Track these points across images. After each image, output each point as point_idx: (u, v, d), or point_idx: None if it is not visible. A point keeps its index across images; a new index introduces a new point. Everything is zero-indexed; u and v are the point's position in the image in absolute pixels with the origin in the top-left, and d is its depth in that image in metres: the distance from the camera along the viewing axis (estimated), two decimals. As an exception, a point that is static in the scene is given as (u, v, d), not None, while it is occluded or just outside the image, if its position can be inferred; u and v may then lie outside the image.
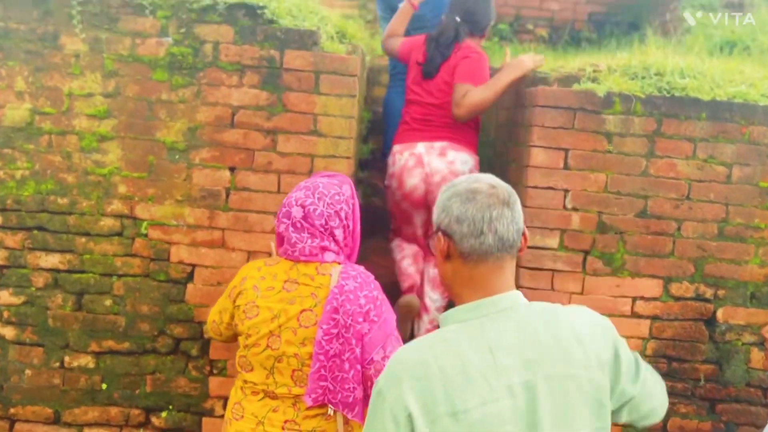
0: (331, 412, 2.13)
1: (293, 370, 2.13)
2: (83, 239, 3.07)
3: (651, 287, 3.09)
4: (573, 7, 7.11)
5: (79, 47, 3.01)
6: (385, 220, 3.86)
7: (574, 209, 3.06)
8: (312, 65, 3.03)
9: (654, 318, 3.09)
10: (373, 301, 2.14)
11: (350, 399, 2.12)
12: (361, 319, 2.10)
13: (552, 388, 1.40)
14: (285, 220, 2.17)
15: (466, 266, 1.48)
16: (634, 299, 3.10)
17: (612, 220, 3.06)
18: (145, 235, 3.08)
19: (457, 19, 3.51)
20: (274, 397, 2.16)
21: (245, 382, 2.20)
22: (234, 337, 2.32)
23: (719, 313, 3.09)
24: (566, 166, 3.04)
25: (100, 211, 3.06)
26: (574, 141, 3.03)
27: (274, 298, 2.13)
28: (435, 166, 3.44)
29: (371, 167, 4.48)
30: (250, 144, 3.07)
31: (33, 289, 3.08)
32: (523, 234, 1.52)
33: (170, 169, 3.06)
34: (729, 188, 3.05)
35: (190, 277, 3.09)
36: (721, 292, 3.09)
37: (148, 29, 3.01)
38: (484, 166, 4.03)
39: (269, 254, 3.09)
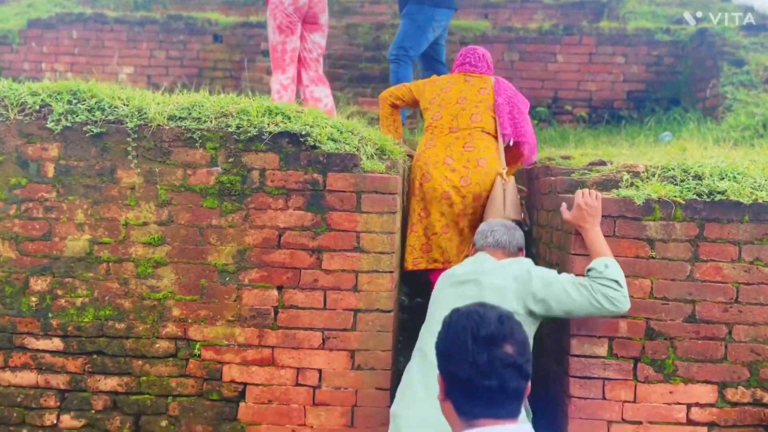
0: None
1: (471, 114, 3.87)
2: (140, 362, 3.18)
3: (706, 393, 3.02)
4: (611, 86, 7.17)
5: (134, 180, 3.19)
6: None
7: (622, 316, 3.04)
8: (354, 186, 3.15)
9: (711, 425, 3.01)
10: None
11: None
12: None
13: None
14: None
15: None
16: (689, 406, 3.03)
17: (660, 326, 3.03)
18: (198, 356, 3.17)
19: None
20: (457, 130, 3.85)
21: (434, 128, 3.90)
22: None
23: (780, 419, 3.00)
24: (610, 273, 3.04)
25: (155, 334, 3.18)
26: (616, 248, 3.04)
27: (458, 83, 4.02)
28: None
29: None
30: (296, 263, 3.17)
31: (92, 412, 3.19)
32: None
33: (221, 291, 3.18)
34: (779, 290, 3.00)
35: (242, 395, 3.16)
36: (779, 397, 3.00)
37: (199, 160, 3.18)
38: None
39: (319, 370, 3.16)
